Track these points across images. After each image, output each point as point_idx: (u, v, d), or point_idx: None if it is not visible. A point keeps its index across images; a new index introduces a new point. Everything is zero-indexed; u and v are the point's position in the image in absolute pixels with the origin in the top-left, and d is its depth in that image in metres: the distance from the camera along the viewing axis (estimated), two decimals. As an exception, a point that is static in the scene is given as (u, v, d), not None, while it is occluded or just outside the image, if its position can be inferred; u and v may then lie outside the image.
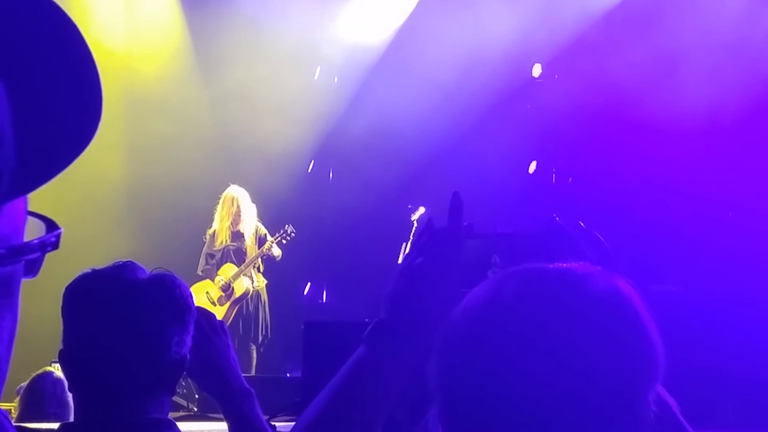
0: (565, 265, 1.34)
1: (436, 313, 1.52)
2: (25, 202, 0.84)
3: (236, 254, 9.72)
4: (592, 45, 9.63)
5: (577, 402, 1.23)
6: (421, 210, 9.20)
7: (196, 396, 8.70)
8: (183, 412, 8.60)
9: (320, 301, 11.03)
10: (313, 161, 11.30)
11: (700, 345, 7.92)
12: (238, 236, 9.74)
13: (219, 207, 9.78)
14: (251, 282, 9.67)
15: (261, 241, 9.75)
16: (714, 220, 8.98)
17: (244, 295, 9.60)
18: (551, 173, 10.01)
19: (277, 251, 9.74)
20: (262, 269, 9.85)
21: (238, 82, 10.84)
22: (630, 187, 9.05)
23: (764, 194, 8.69)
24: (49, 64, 0.82)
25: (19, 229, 0.83)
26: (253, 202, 9.85)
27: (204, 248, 9.88)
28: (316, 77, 11.20)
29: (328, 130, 11.06)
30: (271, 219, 10.13)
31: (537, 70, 10.18)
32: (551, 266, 1.34)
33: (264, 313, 9.79)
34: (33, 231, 0.85)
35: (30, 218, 0.85)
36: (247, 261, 9.64)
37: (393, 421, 1.55)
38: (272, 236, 9.78)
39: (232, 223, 9.74)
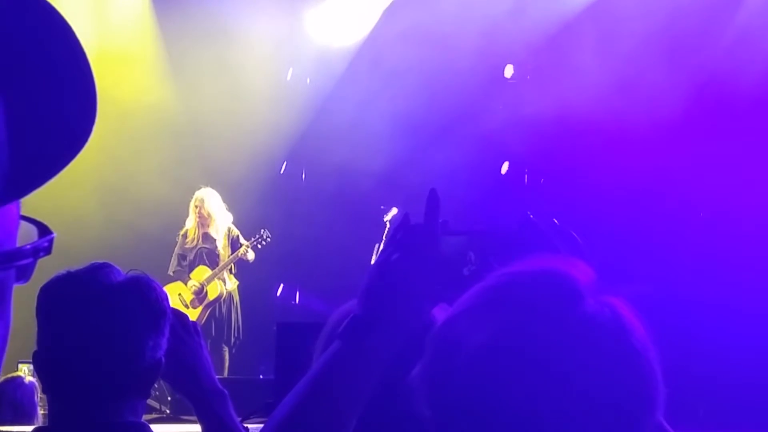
0: (565, 273, 1.31)
1: (411, 309, 1.52)
2: (18, 207, 0.83)
3: (209, 256, 9.69)
4: (564, 46, 9.66)
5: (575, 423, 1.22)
6: (394, 211, 9.20)
7: (169, 398, 8.66)
8: (155, 414, 8.56)
9: (293, 302, 11.01)
10: (285, 162, 11.27)
11: (672, 345, 7.95)
12: (209, 238, 9.71)
13: (190, 209, 9.76)
14: (224, 285, 9.66)
15: (234, 242, 9.72)
16: (686, 220, 9.03)
17: (218, 298, 9.58)
18: (524, 174, 10.04)
19: (251, 255, 9.72)
20: (234, 270, 9.83)
21: (209, 83, 10.79)
22: (603, 187, 9.09)
23: (736, 195, 8.75)
24: (44, 67, 0.80)
25: (12, 235, 0.82)
26: (226, 203, 9.81)
27: (176, 248, 9.85)
28: (288, 78, 11.18)
29: (301, 132, 11.04)
30: (244, 220, 10.09)
31: (509, 71, 10.20)
32: (543, 282, 1.31)
33: (236, 315, 9.77)
34: (24, 235, 0.83)
35: (22, 223, 0.84)
36: (221, 264, 9.61)
37: (366, 418, 1.55)
38: (246, 239, 9.75)
39: (201, 225, 9.71)
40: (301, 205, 10.84)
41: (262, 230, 9.77)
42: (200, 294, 9.55)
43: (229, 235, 9.73)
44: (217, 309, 9.65)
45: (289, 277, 11.09)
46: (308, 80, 11.18)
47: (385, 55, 10.33)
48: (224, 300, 9.68)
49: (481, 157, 9.79)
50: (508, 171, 10.12)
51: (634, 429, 1.26)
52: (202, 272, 9.63)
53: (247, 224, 10.06)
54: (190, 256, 9.73)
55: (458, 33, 9.79)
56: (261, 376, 9.34)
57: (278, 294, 11.07)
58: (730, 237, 8.70)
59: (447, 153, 9.66)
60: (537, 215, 1.73)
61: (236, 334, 9.75)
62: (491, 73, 10.04)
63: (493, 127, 9.57)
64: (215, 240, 9.69)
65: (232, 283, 9.76)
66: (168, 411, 8.65)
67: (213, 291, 9.59)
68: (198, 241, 9.72)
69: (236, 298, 9.80)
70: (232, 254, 9.67)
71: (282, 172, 11.28)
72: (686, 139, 8.96)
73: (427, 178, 8.87)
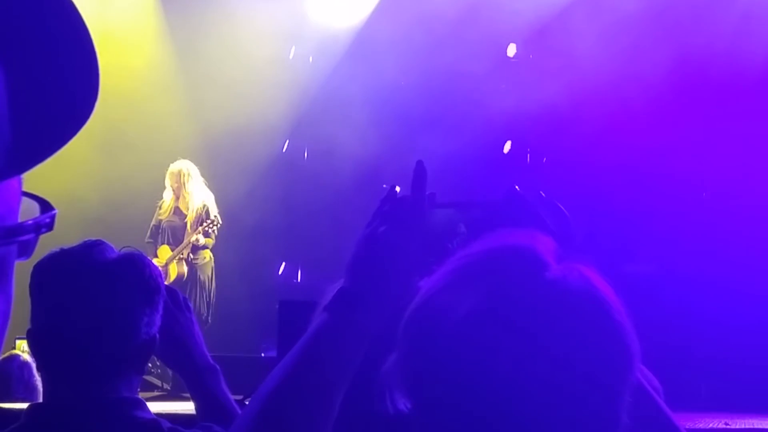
0: (527, 245, 1.31)
1: (399, 281, 1.51)
2: (20, 182, 0.82)
3: (174, 232, 9.50)
4: (564, 26, 9.61)
5: (552, 391, 1.22)
6: (397, 190, 9.16)
7: (171, 376, 8.68)
8: (156, 392, 8.58)
9: (295, 281, 11.01)
10: (287, 141, 11.26)
11: (674, 325, 7.97)
12: (180, 213, 9.53)
13: (165, 180, 9.54)
14: (185, 265, 9.46)
15: (202, 222, 9.44)
16: (688, 201, 9.03)
17: (178, 279, 9.35)
18: (526, 153, 10.03)
19: (202, 240, 9.41)
20: (212, 240, 9.58)
21: (211, 63, 10.78)
22: (606, 167, 9.07)
23: (739, 175, 8.74)
24: (46, 40, 0.79)
25: (14, 210, 0.82)
26: (228, 182, 9.75)
27: (153, 218, 9.72)
28: (291, 57, 11.15)
29: (303, 111, 11.02)
30: (246, 198, 10.09)
31: (512, 50, 10.16)
32: (505, 256, 1.31)
33: (207, 287, 9.55)
34: (26, 211, 0.83)
35: (24, 199, 0.83)
36: (179, 246, 9.48)
37: (353, 394, 1.53)
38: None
39: (175, 198, 9.53)
40: (303, 183, 10.83)
41: (214, 216, 9.45)
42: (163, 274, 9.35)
43: (201, 212, 9.44)
44: (194, 288, 9.47)
45: (291, 256, 11.09)
46: (311, 59, 11.15)
47: (388, 34, 10.28)
48: (198, 277, 9.51)
49: (485, 136, 9.75)
50: (510, 150, 10.10)
51: (616, 385, 1.26)
52: (164, 252, 9.51)
53: (248, 203, 10.05)
54: (159, 229, 9.59)
55: (461, 12, 9.75)
56: (263, 354, 9.35)
57: (280, 273, 11.07)
58: (732, 217, 8.70)
59: (449, 133, 9.63)
60: (524, 188, 1.73)
61: (205, 310, 9.45)
62: (494, 52, 10.00)
63: (496, 106, 9.54)
64: (186, 216, 9.49)
65: (205, 257, 9.58)
66: (169, 388, 8.67)
67: (173, 272, 9.43)
68: (168, 213, 9.54)
69: (208, 273, 9.59)
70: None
71: (284, 150, 11.27)
72: (689, 118, 8.94)
73: (431, 157, 8.84)
